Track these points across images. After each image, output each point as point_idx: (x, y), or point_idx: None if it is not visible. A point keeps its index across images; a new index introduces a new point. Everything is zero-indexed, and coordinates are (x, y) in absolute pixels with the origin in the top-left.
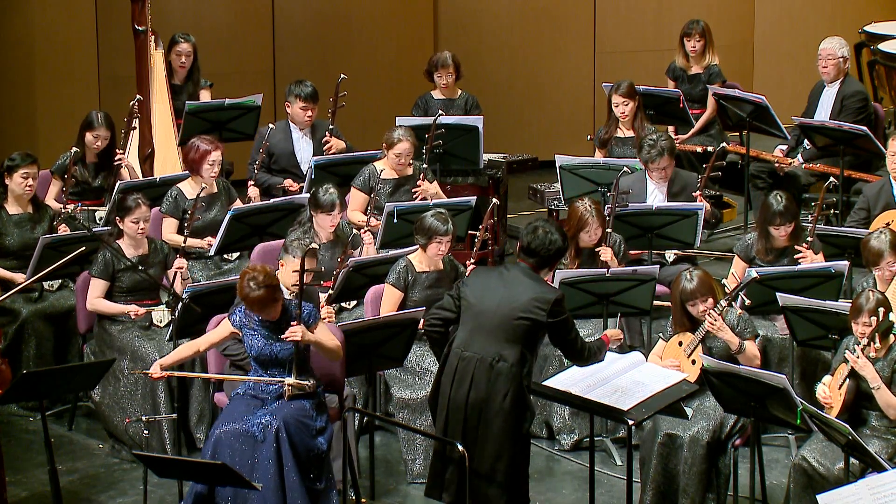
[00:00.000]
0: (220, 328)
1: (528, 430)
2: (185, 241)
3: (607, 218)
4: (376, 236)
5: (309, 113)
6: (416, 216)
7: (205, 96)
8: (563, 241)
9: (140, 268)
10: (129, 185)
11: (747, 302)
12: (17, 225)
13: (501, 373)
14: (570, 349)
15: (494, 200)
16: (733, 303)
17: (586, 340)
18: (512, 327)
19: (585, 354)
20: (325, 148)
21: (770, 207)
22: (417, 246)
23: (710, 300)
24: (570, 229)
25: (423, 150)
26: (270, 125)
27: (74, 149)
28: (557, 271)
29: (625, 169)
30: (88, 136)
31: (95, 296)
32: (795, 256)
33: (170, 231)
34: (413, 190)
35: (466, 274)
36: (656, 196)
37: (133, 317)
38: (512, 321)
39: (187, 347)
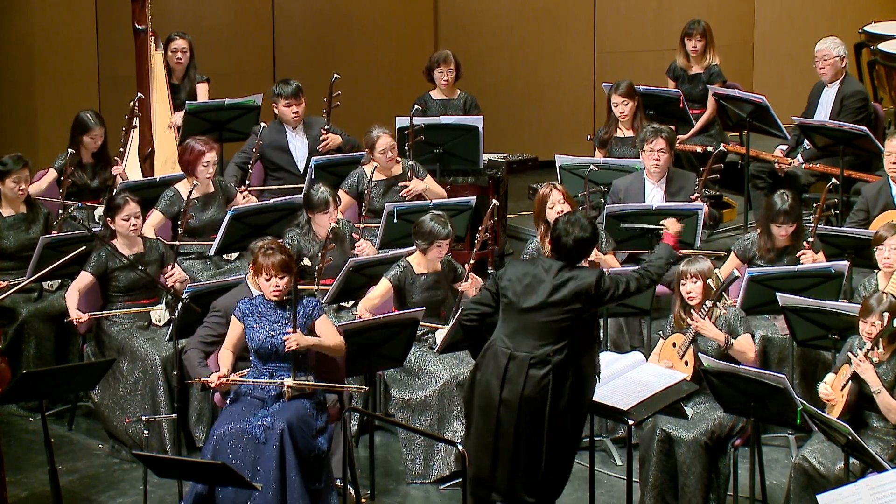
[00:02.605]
0: (234, 328)
1: (585, 409)
2: (178, 241)
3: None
4: (375, 237)
5: (294, 109)
6: (417, 217)
7: (202, 90)
8: (589, 232)
9: (140, 267)
10: (129, 186)
11: (730, 301)
12: (11, 227)
13: (558, 370)
14: (636, 293)
15: (495, 202)
16: (718, 303)
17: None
18: (560, 323)
19: (649, 281)
20: (321, 146)
21: (774, 205)
22: (415, 247)
23: (701, 284)
24: (536, 208)
25: (406, 148)
26: (262, 124)
27: (71, 150)
28: None
29: (591, 167)
30: (86, 139)
31: (76, 287)
32: (803, 259)
33: (151, 223)
34: (403, 193)
35: (466, 275)
36: (654, 195)
37: (76, 323)
38: (559, 317)
39: (227, 358)
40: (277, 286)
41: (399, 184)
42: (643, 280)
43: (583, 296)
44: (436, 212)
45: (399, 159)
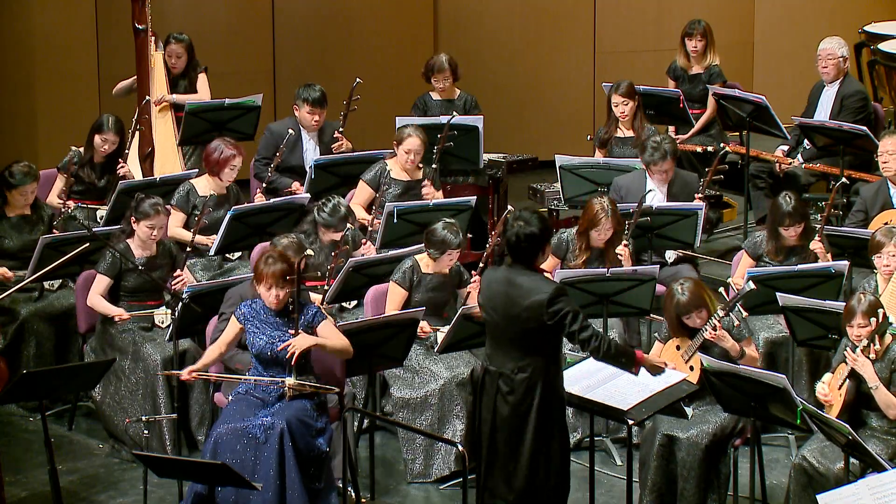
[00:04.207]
0: (231, 327)
1: (562, 421)
2: (192, 240)
3: (626, 230)
4: (375, 236)
5: (316, 118)
6: (417, 216)
7: (202, 81)
8: (535, 227)
9: (141, 269)
10: (130, 186)
11: (744, 314)
12: (15, 227)
13: (522, 384)
14: (575, 342)
15: (510, 208)
16: (731, 313)
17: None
18: (523, 336)
19: (593, 346)
20: (335, 146)
21: (780, 208)
22: (420, 246)
23: (704, 312)
24: (583, 224)
25: (434, 151)
26: (290, 131)
27: (75, 148)
28: (558, 270)
29: (649, 190)
30: (97, 139)
31: (97, 292)
32: (813, 248)
33: (175, 224)
34: (424, 194)
35: (472, 279)
36: (655, 195)
37: (117, 321)
38: (521, 330)
39: (212, 352)
40: (277, 296)
41: (423, 192)
42: (591, 341)
43: (539, 309)
44: (448, 220)
45: (421, 165)
